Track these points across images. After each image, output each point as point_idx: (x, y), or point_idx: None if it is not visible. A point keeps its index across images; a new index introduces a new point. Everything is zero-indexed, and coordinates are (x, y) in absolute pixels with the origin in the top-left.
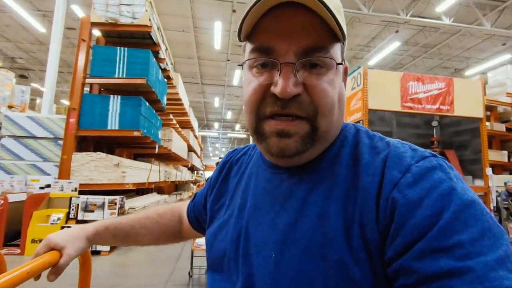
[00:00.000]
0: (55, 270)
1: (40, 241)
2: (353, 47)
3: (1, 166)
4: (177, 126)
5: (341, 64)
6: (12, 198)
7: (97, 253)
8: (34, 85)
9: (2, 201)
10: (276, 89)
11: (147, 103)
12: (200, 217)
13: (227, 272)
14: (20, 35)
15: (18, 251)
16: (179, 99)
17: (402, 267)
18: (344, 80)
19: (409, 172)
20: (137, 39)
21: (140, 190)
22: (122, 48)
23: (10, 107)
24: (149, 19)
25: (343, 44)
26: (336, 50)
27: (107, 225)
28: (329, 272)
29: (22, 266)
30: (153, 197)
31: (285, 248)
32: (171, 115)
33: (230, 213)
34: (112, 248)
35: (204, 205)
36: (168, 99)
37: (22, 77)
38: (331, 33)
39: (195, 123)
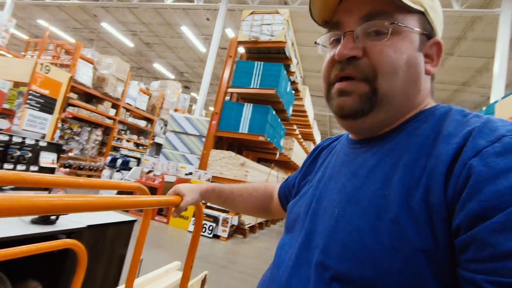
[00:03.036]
0: (177, 209)
1: (181, 216)
2: None
3: (164, 153)
4: (300, 136)
5: (413, 31)
6: (167, 178)
7: (217, 237)
8: (193, 94)
9: (161, 179)
10: (335, 53)
11: (273, 112)
12: (289, 196)
13: (295, 231)
14: (188, 55)
15: (165, 220)
16: (304, 111)
17: (476, 238)
18: (433, 55)
19: (499, 142)
20: (273, 54)
21: None
22: (259, 62)
23: (175, 110)
24: (284, 36)
25: (427, 15)
26: (407, 19)
27: (214, 187)
28: (381, 229)
29: (156, 196)
30: None
31: (347, 207)
32: (295, 125)
33: (310, 186)
34: (229, 236)
35: (293, 185)
36: (294, 110)
37: (186, 88)
38: (398, 3)
39: (317, 136)
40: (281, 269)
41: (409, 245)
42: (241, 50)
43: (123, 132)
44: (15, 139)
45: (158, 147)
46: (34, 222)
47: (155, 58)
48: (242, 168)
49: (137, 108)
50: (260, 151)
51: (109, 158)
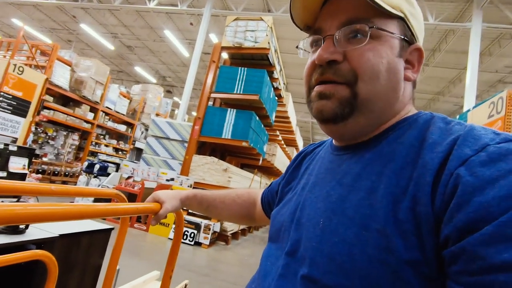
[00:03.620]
0: (156, 217)
1: (161, 223)
2: (499, 69)
3: (144, 158)
4: (282, 142)
5: (393, 36)
6: (147, 184)
7: (199, 244)
8: (175, 99)
9: (141, 185)
10: (315, 58)
11: (257, 118)
12: (272, 203)
13: (281, 241)
14: (171, 59)
15: (144, 228)
16: (287, 117)
17: (465, 250)
18: (414, 61)
19: (484, 151)
20: (256, 60)
21: None
22: (242, 68)
23: (157, 114)
24: (268, 42)
25: (408, 21)
26: (387, 24)
27: (195, 193)
28: (368, 240)
29: (134, 204)
30: None
31: (333, 217)
32: (277, 131)
33: (294, 193)
34: (211, 243)
35: (277, 191)
36: (276, 116)
37: (168, 92)
38: (378, 9)
39: (300, 142)
40: (267, 280)
41: (396, 256)
42: (225, 55)
43: (101, 136)
44: None
45: (138, 152)
46: (0, 232)
47: (137, 62)
48: (225, 174)
49: (117, 112)
50: (243, 157)
51: (86, 163)
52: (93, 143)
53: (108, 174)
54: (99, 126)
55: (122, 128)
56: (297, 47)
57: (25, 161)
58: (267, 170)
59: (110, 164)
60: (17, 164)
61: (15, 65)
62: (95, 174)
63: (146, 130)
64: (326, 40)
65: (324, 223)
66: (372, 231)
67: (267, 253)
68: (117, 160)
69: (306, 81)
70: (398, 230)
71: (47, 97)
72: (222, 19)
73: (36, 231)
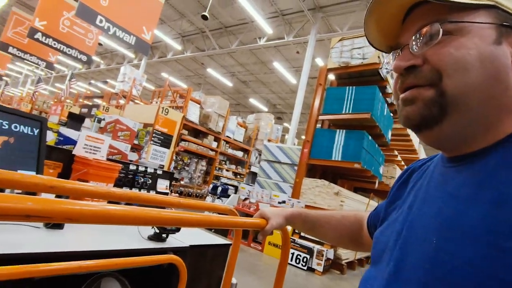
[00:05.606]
0: (262, 232)
1: (275, 245)
2: None
3: (258, 181)
4: (402, 163)
5: (480, 25)
6: (261, 206)
7: (311, 270)
8: (285, 124)
9: (255, 207)
10: (392, 68)
11: (369, 137)
12: (378, 225)
13: (383, 263)
14: (280, 88)
15: (260, 248)
16: (407, 135)
17: None
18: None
19: None
20: (366, 77)
21: None
22: (350, 87)
23: (269, 140)
24: (378, 57)
25: (500, 6)
26: (470, 16)
27: (300, 212)
28: (500, 261)
29: (242, 218)
30: None
31: (449, 235)
32: (395, 151)
33: (400, 212)
34: (325, 271)
35: (381, 212)
36: (393, 135)
37: (279, 119)
38: (453, 4)
39: None
40: None
41: None
42: (331, 77)
43: (223, 162)
44: (140, 168)
45: (253, 176)
46: (150, 238)
47: (251, 94)
48: (337, 198)
49: (235, 140)
50: (356, 180)
51: (211, 186)
52: (217, 168)
53: (229, 196)
54: (221, 153)
55: (239, 154)
56: (379, 69)
57: (167, 182)
58: (385, 194)
59: (230, 187)
60: (162, 185)
61: (163, 108)
62: (218, 196)
63: (260, 155)
64: (402, 50)
65: (438, 242)
66: (505, 250)
67: (367, 275)
68: (235, 183)
69: (395, 97)
70: None
71: (183, 131)
72: (327, 42)
73: (173, 241)
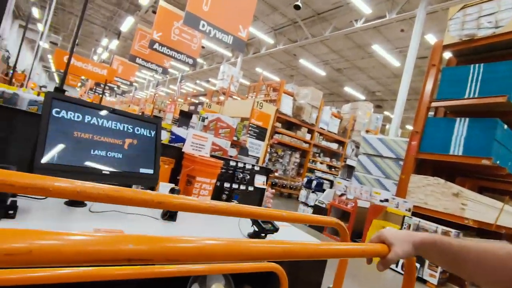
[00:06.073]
0: (384, 261)
1: None
2: None
3: (356, 176)
4: None
5: None
6: (360, 203)
7: (423, 281)
8: (386, 113)
9: (353, 204)
10: None
11: (504, 126)
12: None
13: None
14: (380, 72)
15: None
16: None
17: None
18: None
19: None
20: (498, 51)
21: (485, 231)
22: (476, 64)
23: (367, 131)
24: None
25: None
26: None
27: (435, 240)
28: None
29: (358, 245)
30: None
31: None
32: None
33: None
34: (440, 284)
35: None
36: None
37: (378, 107)
38: None
39: None
40: None
41: None
42: (448, 55)
43: (317, 154)
44: (240, 164)
45: (349, 170)
46: (249, 236)
47: (346, 82)
48: (456, 200)
49: (329, 131)
50: (482, 179)
51: (305, 179)
52: (310, 160)
53: (323, 190)
54: (315, 146)
55: (334, 146)
56: None
57: (264, 178)
58: None
59: (324, 181)
60: (259, 180)
61: (257, 102)
62: (313, 190)
63: (357, 147)
64: None
65: None
66: None
67: None
68: (330, 177)
69: None
70: None
71: (277, 124)
72: (441, 14)
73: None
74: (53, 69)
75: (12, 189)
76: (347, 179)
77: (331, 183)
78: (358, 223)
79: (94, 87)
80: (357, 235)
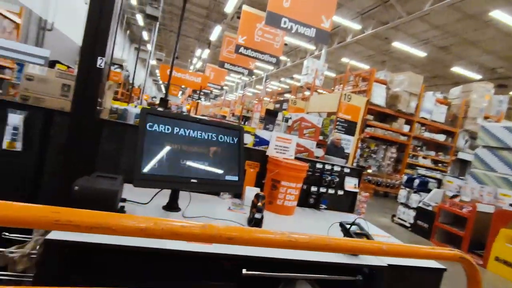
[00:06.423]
0: None
1: (506, 262)
2: None
3: (473, 174)
4: None
5: None
6: (480, 207)
7: None
8: None
9: (471, 208)
10: None
11: None
12: None
13: None
14: (501, 44)
15: (481, 262)
16: None
17: None
18: None
19: None
20: None
21: None
22: None
23: (485, 117)
24: None
25: None
26: None
27: None
28: None
29: None
30: None
31: None
32: None
33: None
34: None
35: None
36: None
37: (501, 87)
38: None
39: None
40: None
41: None
42: None
43: (418, 148)
44: (327, 167)
45: (462, 166)
46: None
47: (453, 61)
48: None
49: (433, 121)
50: None
51: (405, 177)
52: (410, 155)
53: (429, 190)
54: (415, 138)
55: (440, 137)
56: None
57: (355, 181)
58: None
59: (430, 179)
60: (350, 183)
61: (345, 94)
62: (414, 190)
63: (472, 138)
64: None
65: None
66: None
67: None
68: (437, 175)
69: None
70: None
71: (368, 116)
72: None
73: (368, 257)
74: (160, 81)
75: (78, 229)
76: (460, 177)
77: (439, 182)
78: (477, 231)
79: (192, 94)
80: (477, 246)
